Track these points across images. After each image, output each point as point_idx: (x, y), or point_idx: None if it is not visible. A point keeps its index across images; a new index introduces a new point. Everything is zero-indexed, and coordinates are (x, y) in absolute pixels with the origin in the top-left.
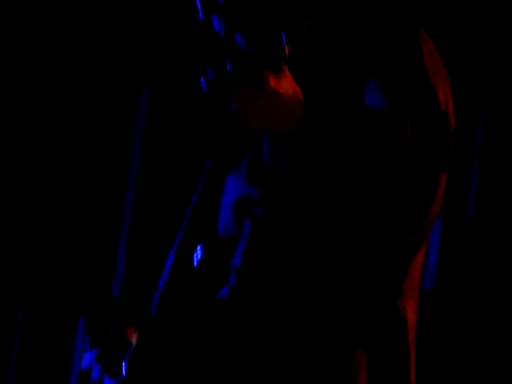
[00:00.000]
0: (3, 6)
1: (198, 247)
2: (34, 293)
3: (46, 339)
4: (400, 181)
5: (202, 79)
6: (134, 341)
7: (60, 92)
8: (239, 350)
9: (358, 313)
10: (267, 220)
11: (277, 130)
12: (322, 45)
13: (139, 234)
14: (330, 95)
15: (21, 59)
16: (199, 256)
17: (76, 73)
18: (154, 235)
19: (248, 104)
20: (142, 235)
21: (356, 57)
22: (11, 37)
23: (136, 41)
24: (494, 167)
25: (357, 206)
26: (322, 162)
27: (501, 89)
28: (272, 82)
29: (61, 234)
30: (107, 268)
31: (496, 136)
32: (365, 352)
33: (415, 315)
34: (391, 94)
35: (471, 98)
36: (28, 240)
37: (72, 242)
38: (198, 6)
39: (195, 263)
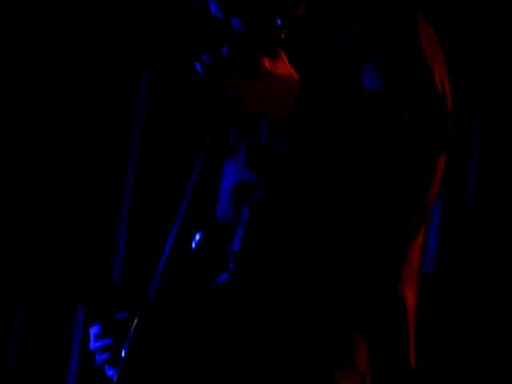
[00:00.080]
0: None
1: (197, 233)
2: (34, 278)
3: (45, 324)
4: (397, 163)
5: (198, 63)
6: (133, 325)
7: (59, 79)
8: (239, 334)
9: (357, 297)
10: (266, 205)
11: (274, 113)
12: (318, 28)
13: (139, 220)
14: (326, 78)
15: (18, 45)
16: (198, 241)
17: (75, 59)
18: (154, 220)
19: (244, 87)
20: (141, 220)
21: (353, 40)
22: (9, 29)
23: (135, 26)
24: (494, 150)
25: (354, 190)
26: (319, 145)
27: (500, 77)
28: (268, 65)
29: (60, 220)
30: (107, 253)
31: (496, 120)
32: (364, 335)
33: (414, 299)
34: (388, 77)
35: (471, 86)
36: (27, 226)
37: (71, 228)
38: None
39: (193, 246)
